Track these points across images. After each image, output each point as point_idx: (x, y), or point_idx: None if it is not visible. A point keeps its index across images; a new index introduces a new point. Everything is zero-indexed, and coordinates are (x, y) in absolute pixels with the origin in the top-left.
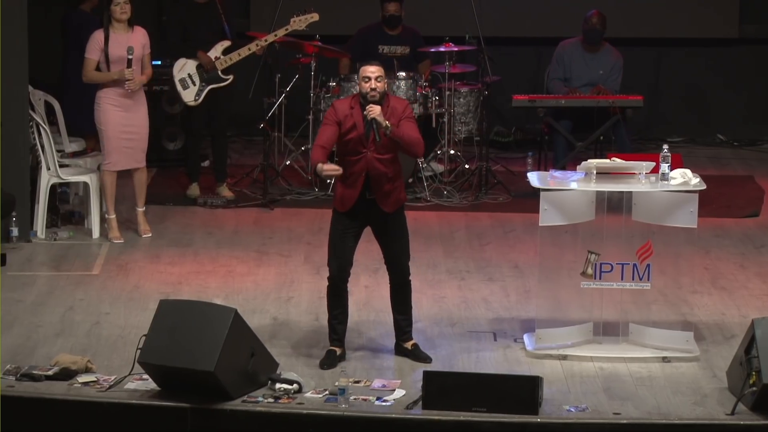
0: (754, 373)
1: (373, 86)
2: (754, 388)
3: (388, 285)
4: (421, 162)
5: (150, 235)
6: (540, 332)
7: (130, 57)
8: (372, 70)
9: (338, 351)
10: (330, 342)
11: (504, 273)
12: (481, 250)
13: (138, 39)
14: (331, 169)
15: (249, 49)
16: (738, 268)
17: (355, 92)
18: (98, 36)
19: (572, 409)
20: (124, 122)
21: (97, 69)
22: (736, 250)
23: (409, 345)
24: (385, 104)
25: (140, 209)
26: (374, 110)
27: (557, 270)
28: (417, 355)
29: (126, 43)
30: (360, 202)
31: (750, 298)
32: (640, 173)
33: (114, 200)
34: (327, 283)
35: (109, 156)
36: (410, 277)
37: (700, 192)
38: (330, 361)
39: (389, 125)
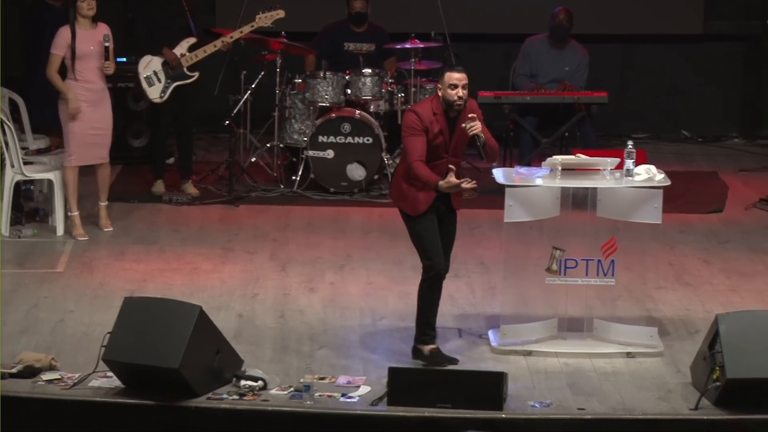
0: (717, 368)
1: (460, 94)
2: (718, 383)
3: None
4: (387, 158)
5: (111, 229)
6: (505, 328)
7: (106, 44)
8: (459, 78)
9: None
10: (426, 341)
11: (469, 269)
12: None
13: (102, 34)
14: (466, 182)
15: (215, 46)
16: (702, 264)
17: (318, 89)
18: (65, 32)
19: (537, 405)
20: (88, 118)
21: (62, 65)
22: (701, 245)
23: (427, 350)
24: (465, 108)
25: (102, 203)
26: (477, 126)
27: (522, 266)
28: (438, 359)
29: (92, 38)
30: (434, 204)
31: (714, 293)
32: (604, 169)
33: (77, 197)
34: (426, 282)
35: (72, 152)
36: None
37: (665, 188)
38: (443, 357)
39: (485, 138)
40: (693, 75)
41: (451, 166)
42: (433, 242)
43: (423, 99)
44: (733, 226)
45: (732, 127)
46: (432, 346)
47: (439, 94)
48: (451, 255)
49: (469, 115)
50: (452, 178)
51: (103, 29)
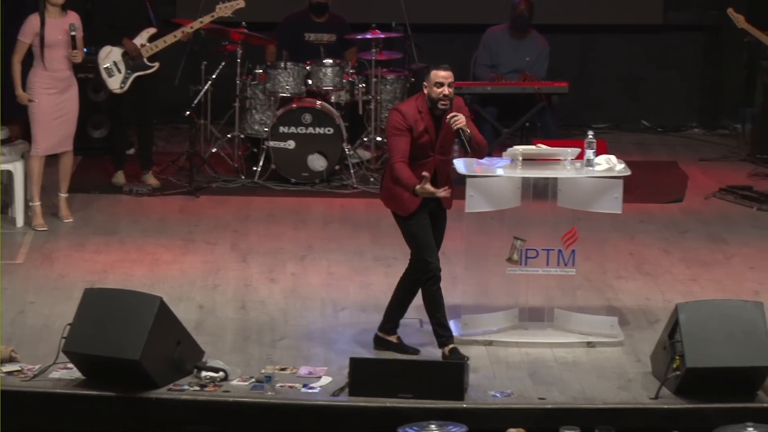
0: (677, 357)
1: (446, 93)
2: (678, 372)
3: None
4: (348, 149)
5: (71, 220)
6: (466, 318)
7: (73, 33)
8: (445, 75)
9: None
10: (444, 343)
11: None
12: None
13: (72, 22)
14: (443, 190)
15: (175, 36)
16: (662, 254)
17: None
18: (33, 20)
19: (498, 395)
20: (55, 105)
21: (29, 53)
22: (661, 235)
23: (394, 338)
24: (453, 108)
25: (63, 195)
26: (461, 120)
27: (483, 256)
28: (403, 348)
29: (60, 27)
30: (424, 203)
31: (674, 283)
32: (565, 159)
33: (40, 187)
34: (427, 284)
35: (39, 141)
36: None
37: (625, 178)
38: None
39: (470, 133)
40: (653, 65)
41: (425, 173)
42: (429, 243)
43: (408, 98)
44: (692, 216)
45: (692, 117)
46: (450, 346)
47: (425, 92)
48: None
49: (454, 115)
50: (428, 185)
51: (73, 18)
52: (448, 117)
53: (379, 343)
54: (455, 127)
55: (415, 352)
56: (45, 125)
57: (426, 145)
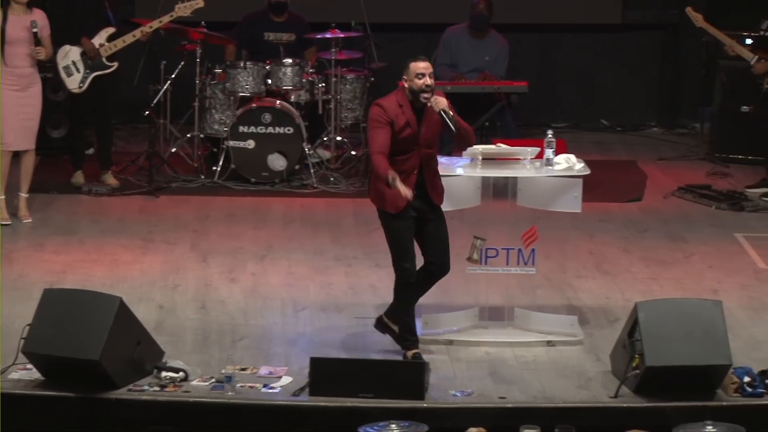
0: (637, 356)
1: (428, 83)
2: (637, 371)
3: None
4: (308, 148)
5: (30, 220)
6: (426, 318)
7: (35, 30)
8: (425, 66)
9: (418, 352)
10: (408, 347)
11: (391, 259)
12: (369, 237)
13: (34, 19)
14: (405, 189)
15: (134, 36)
16: (622, 252)
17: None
18: None
19: (458, 394)
20: (20, 102)
21: None
22: (620, 234)
23: (396, 325)
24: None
25: (24, 195)
26: (441, 102)
27: None
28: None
29: (23, 24)
30: (416, 197)
31: (633, 281)
32: (525, 159)
33: (6, 182)
34: (400, 290)
35: (6, 135)
36: None
37: (585, 177)
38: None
39: (454, 115)
40: (612, 64)
41: (392, 174)
42: (407, 249)
43: (387, 95)
44: (651, 215)
45: (651, 117)
46: (414, 351)
47: (405, 86)
48: (447, 255)
49: (433, 96)
50: (398, 183)
51: (37, 15)
52: (430, 101)
53: (381, 326)
54: (437, 109)
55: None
56: (10, 120)
57: (409, 138)
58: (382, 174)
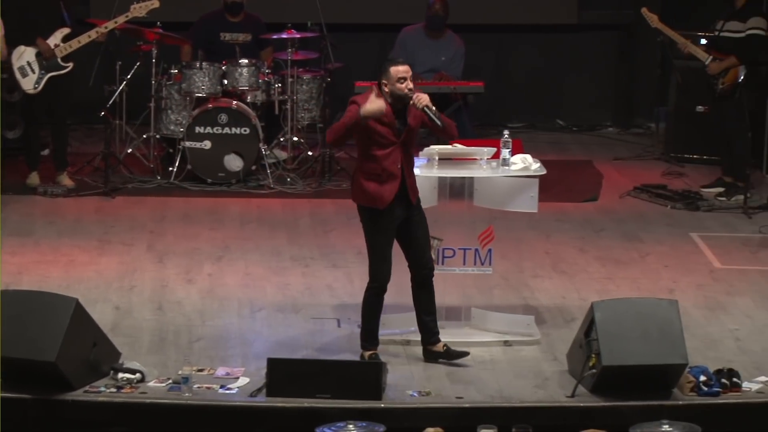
0: (593, 355)
1: (410, 86)
2: (594, 371)
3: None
4: (265, 149)
5: None
6: (384, 318)
7: None
8: (405, 70)
9: (375, 353)
10: (366, 347)
11: (348, 259)
12: (326, 237)
13: None
14: (376, 102)
15: (89, 37)
16: (578, 252)
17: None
18: None
19: (415, 394)
20: None
21: None
22: (576, 234)
23: (440, 347)
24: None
25: None
26: (423, 98)
27: (400, 256)
28: (452, 354)
29: None
30: (396, 196)
31: (590, 281)
32: (481, 159)
33: None
34: (368, 290)
35: None
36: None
37: (541, 177)
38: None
39: (437, 110)
40: (568, 64)
41: (361, 108)
42: (384, 254)
43: (363, 93)
44: (607, 215)
45: (606, 117)
46: (371, 352)
47: (386, 90)
48: (429, 253)
49: (416, 94)
50: (368, 106)
51: None
52: (412, 99)
53: (428, 355)
54: (420, 106)
55: (464, 354)
56: None
57: (388, 134)
58: (354, 117)
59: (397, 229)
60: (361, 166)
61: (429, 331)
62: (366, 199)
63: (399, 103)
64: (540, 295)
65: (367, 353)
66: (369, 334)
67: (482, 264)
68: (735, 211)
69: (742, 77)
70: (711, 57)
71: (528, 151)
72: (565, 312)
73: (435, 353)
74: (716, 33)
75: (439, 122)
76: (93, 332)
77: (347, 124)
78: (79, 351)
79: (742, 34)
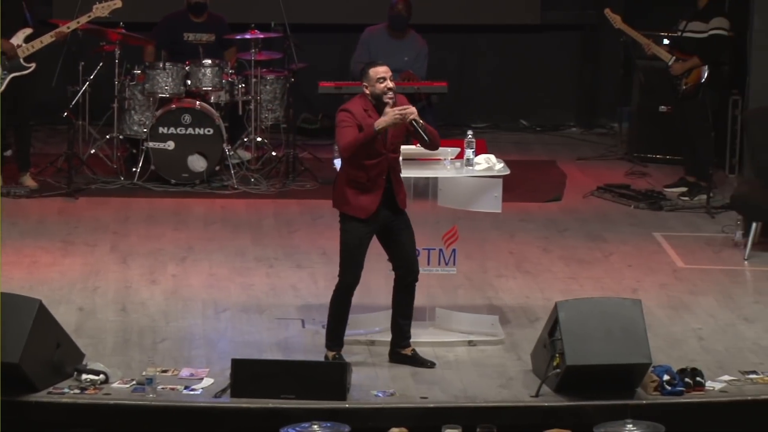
0: (557, 355)
1: (390, 86)
2: (558, 370)
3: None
4: (228, 149)
5: None
6: (348, 318)
7: None
8: (384, 70)
9: (339, 354)
10: (330, 347)
11: (312, 260)
12: (290, 237)
13: None
14: (391, 115)
15: (51, 37)
16: (542, 252)
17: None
18: None
19: (380, 394)
20: None
21: None
22: (540, 234)
23: (408, 351)
24: (398, 102)
25: None
26: (413, 111)
27: (369, 258)
28: (419, 360)
29: None
30: (380, 205)
31: (554, 281)
32: (445, 159)
33: None
34: (335, 291)
35: None
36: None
37: (505, 177)
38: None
39: (423, 123)
40: (531, 65)
41: (374, 123)
42: (356, 257)
43: (350, 100)
44: (571, 215)
45: (569, 117)
46: (333, 353)
47: (366, 92)
48: (414, 258)
49: (405, 107)
50: (382, 118)
51: None
52: (398, 111)
53: (395, 358)
54: (407, 120)
55: (431, 365)
56: None
57: (377, 143)
58: (368, 133)
59: (381, 233)
60: (347, 173)
61: (402, 335)
62: (348, 208)
63: (383, 106)
64: (504, 294)
65: (331, 353)
66: (334, 335)
67: (446, 264)
68: (698, 211)
69: (705, 77)
70: (674, 57)
71: (492, 151)
72: (529, 312)
73: (402, 356)
74: (679, 33)
75: (426, 137)
76: (56, 333)
77: (363, 142)
78: (42, 352)
79: (705, 35)
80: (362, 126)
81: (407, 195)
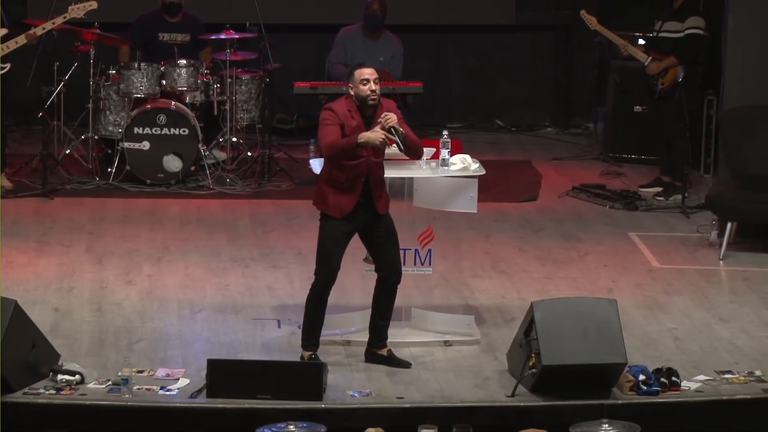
0: (533, 355)
1: (372, 88)
2: (534, 370)
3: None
4: (204, 149)
5: None
6: (325, 318)
7: None
8: (369, 72)
9: (314, 354)
10: (306, 347)
11: (288, 260)
12: (265, 238)
13: None
14: (378, 134)
15: (26, 37)
16: (517, 252)
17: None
18: None
19: (356, 395)
20: None
21: None
22: (516, 234)
23: (384, 352)
24: (381, 107)
25: None
26: (392, 118)
27: (347, 259)
28: (395, 360)
29: None
30: (357, 207)
31: (529, 281)
32: (420, 159)
33: None
34: (311, 290)
35: None
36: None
37: (480, 177)
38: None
39: (404, 131)
40: (506, 65)
41: (356, 136)
42: (331, 255)
43: (336, 100)
44: (546, 215)
45: (545, 117)
46: (309, 353)
47: (351, 93)
48: (397, 260)
49: (385, 114)
50: (364, 134)
51: None
52: (380, 118)
53: (371, 358)
54: (387, 125)
55: (407, 365)
56: None
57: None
58: (350, 141)
59: (363, 234)
60: (328, 173)
61: (379, 335)
62: (326, 207)
63: (366, 108)
64: (480, 294)
65: (307, 354)
66: (309, 335)
67: (422, 264)
68: (673, 211)
69: (681, 77)
70: (650, 58)
71: (467, 151)
72: (505, 312)
73: (378, 356)
74: (655, 33)
75: (402, 146)
76: (32, 334)
77: (344, 147)
78: (18, 353)
79: (681, 34)
80: (345, 126)
81: None
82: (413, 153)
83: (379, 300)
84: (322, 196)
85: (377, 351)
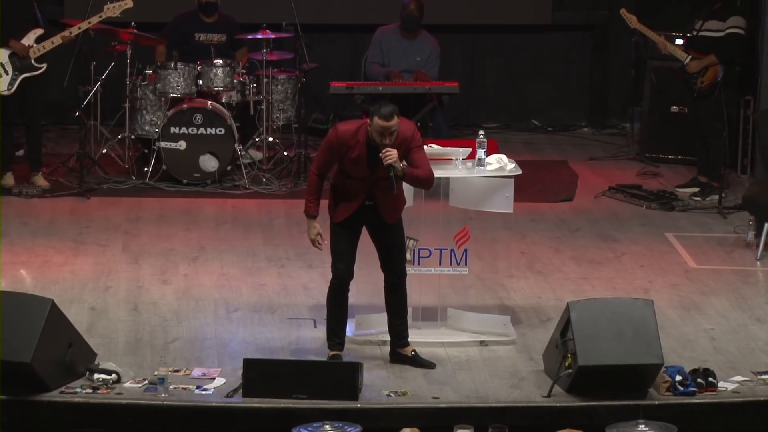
0: (569, 355)
1: (386, 143)
2: (570, 371)
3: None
4: (240, 149)
5: None
6: (360, 318)
7: None
8: (387, 126)
9: (341, 354)
10: (330, 347)
11: (323, 260)
12: (301, 237)
13: None
14: (316, 240)
15: (63, 38)
16: (553, 252)
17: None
18: None
19: (392, 395)
20: None
21: None
22: (551, 234)
23: (408, 351)
24: (401, 134)
25: None
26: (392, 155)
27: (376, 256)
28: (418, 361)
29: None
30: (359, 212)
31: (565, 281)
32: (456, 159)
33: None
34: (329, 287)
35: None
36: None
37: (516, 177)
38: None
39: (405, 167)
40: (542, 65)
41: (316, 227)
42: (342, 251)
43: (355, 119)
44: (582, 215)
45: (581, 117)
46: (334, 352)
47: (368, 128)
48: (404, 258)
49: (386, 149)
50: (317, 230)
51: None
52: (381, 153)
53: (395, 358)
54: (385, 163)
55: (431, 366)
56: None
57: (359, 168)
58: (307, 206)
59: (370, 232)
60: (336, 177)
61: (398, 335)
62: (330, 209)
63: (374, 150)
64: (515, 295)
65: (331, 353)
66: (332, 334)
67: (458, 264)
68: (710, 211)
69: (721, 76)
70: (690, 56)
71: (503, 151)
72: (541, 312)
73: (402, 357)
74: (694, 33)
75: (394, 186)
76: (68, 333)
77: (306, 201)
78: (54, 352)
79: (722, 33)
80: (343, 157)
81: (419, 195)
82: (418, 186)
83: (388, 300)
84: (330, 197)
85: (401, 351)
